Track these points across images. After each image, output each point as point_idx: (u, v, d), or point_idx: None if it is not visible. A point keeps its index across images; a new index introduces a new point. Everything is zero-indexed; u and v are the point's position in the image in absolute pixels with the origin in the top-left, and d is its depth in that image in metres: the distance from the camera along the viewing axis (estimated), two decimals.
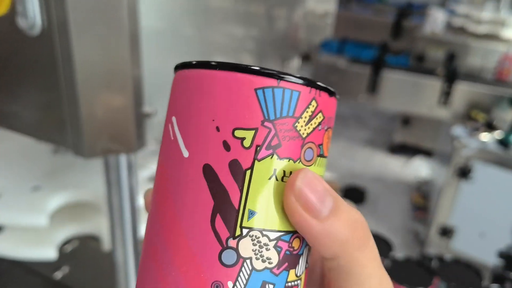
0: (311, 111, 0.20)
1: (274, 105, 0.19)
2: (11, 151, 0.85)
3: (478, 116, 1.89)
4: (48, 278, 0.89)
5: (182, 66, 0.21)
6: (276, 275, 0.20)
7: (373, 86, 2.05)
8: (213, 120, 0.19)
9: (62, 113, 0.47)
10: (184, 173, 0.20)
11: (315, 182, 0.20)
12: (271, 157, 0.19)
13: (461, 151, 1.74)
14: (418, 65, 2.55)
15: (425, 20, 2.71)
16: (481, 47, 2.45)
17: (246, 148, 0.19)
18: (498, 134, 1.80)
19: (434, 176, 2.37)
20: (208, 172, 0.19)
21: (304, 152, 0.20)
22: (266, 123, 0.19)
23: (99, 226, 0.76)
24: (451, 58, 2.22)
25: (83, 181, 0.76)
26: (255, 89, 0.19)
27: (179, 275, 0.19)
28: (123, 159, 0.57)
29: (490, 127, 1.83)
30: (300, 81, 0.20)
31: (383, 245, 0.70)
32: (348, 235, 0.20)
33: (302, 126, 0.20)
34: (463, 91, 1.99)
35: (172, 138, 0.21)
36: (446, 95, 1.96)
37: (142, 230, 0.74)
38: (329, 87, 0.21)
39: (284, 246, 0.20)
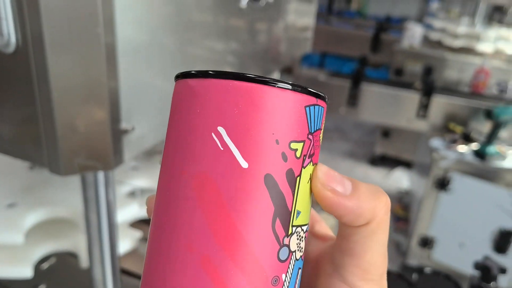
0: (325, 122, 0.25)
1: (315, 120, 0.23)
2: None
3: (456, 128, 1.92)
4: None
5: (228, 76, 0.22)
6: (303, 259, 0.24)
7: (353, 99, 2.08)
8: (273, 134, 0.21)
9: (37, 130, 0.46)
10: (243, 183, 0.21)
11: (330, 172, 0.24)
12: (310, 164, 0.23)
13: (439, 163, 1.77)
14: (397, 78, 2.60)
15: (403, 34, 2.77)
16: (458, 60, 2.51)
17: (298, 158, 0.22)
18: (475, 146, 1.84)
19: (414, 187, 2.40)
20: (269, 181, 0.21)
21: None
22: (309, 136, 0.23)
23: (77, 242, 0.75)
24: (428, 71, 2.27)
25: (60, 198, 0.75)
26: (305, 107, 0.22)
27: (242, 276, 0.21)
28: (100, 176, 0.56)
29: (467, 139, 1.86)
30: (325, 98, 0.24)
31: None
32: (375, 202, 0.24)
33: (321, 135, 0.24)
34: (440, 103, 2.03)
35: (222, 149, 0.21)
36: (424, 108, 2.00)
37: (120, 247, 0.73)
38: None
39: (306, 235, 0.24)
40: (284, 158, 0.22)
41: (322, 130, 0.24)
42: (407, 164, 2.97)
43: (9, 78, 0.46)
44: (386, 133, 2.95)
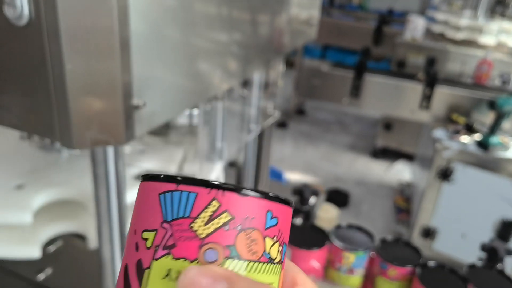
0: (212, 211, 0.20)
1: (172, 207, 0.20)
2: None
3: (459, 119, 1.92)
4: (30, 280, 0.87)
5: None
6: None
7: (356, 90, 2.08)
8: (133, 223, 0.22)
9: (49, 104, 0.46)
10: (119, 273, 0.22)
11: (198, 279, 0.19)
12: (166, 257, 0.20)
13: (442, 153, 1.77)
14: (400, 70, 2.59)
15: (405, 26, 2.76)
16: (460, 52, 2.51)
17: (148, 248, 0.20)
18: (478, 136, 1.84)
19: (416, 179, 2.41)
20: (125, 271, 0.21)
21: (204, 252, 0.20)
22: (164, 224, 0.20)
23: (84, 224, 0.75)
24: (431, 62, 2.27)
25: (68, 179, 0.75)
26: (159, 194, 0.21)
27: None
28: (110, 152, 0.56)
29: (470, 129, 1.86)
30: (198, 183, 0.20)
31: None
32: None
33: (200, 226, 0.20)
34: (443, 94, 2.03)
35: None
36: (427, 99, 2.00)
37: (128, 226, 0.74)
38: (245, 188, 0.21)
39: None
40: (136, 247, 0.21)
41: (203, 219, 0.20)
42: (408, 157, 2.97)
43: (21, 51, 0.46)
44: (388, 125, 2.95)
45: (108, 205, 0.59)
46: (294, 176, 2.72)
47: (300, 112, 3.86)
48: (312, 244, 0.68)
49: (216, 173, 0.91)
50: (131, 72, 0.49)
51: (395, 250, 0.69)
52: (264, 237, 0.21)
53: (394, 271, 0.65)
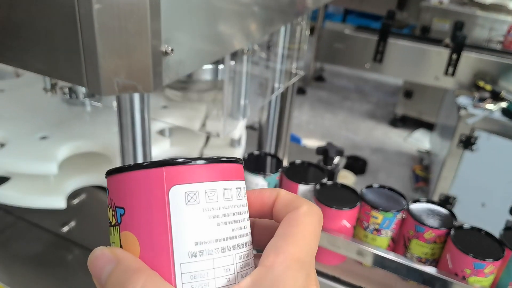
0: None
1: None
2: (18, 101, 0.84)
3: (485, 86, 1.86)
4: (55, 233, 0.89)
5: None
6: None
7: (380, 54, 2.02)
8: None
9: (77, 48, 0.45)
10: None
11: (94, 260, 0.24)
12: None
13: (466, 120, 1.73)
14: (425, 35, 2.51)
15: None
16: (488, 17, 2.41)
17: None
18: (504, 104, 1.79)
19: (435, 148, 2.37)
20: None
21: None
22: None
23: None
24: (459, 27, 2.18)
25: (92, 132, 0.75)
26: None
27: None
28: (136, 102, 0.56)
29: (496, 97, 1.81)
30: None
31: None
32: None
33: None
34: (469, 59, 1.96)
35: None
36: (453, 65, 1.93)
37: None
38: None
39: None
40: None
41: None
42: (428, 126, 2.92)
43: None
44: (408, 93, 2.89)
45: (134, 155, 0.58)
46: (311, 143, 2.70)
47: (319, 78, 3.81)
48: (343, 203, 0.67)
49: (239, 130, 0.90)
50: (159, 18, 0.47)
51: (428, 212, 0.68)
52: (108, 209, 0.25)
53: (430, 233, 0.64)
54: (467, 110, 1.75)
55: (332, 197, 0.68)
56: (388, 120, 3.19)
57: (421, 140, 2.91)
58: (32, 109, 0.81)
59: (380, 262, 0.67)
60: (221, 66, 0.80)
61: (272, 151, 1.13)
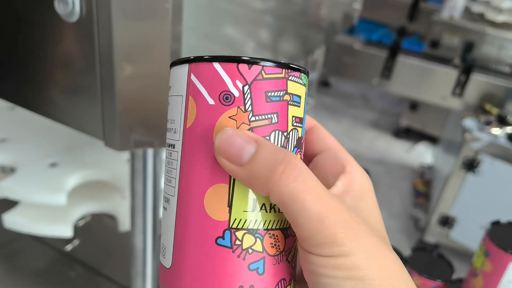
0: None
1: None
2: (28, 122, 0.84)
3: (492, 110, 1.86)
4: (59, 250, 0.89)
5: None
6: None
7: (388, 71, 2.02)
8: None
9: (95, 103, 0.45)
10: None
11: (233, 137, 0.22)
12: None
13: (471, 144, 1.73)
14: (433, 50, 2.51)
15: (444, 4, 2.65)
16: (499, 36, 2.40)
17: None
18: (510, 129, 1.78)
19: (438, 164, 2.37)
20: None
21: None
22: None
23: (115, 206, 0.75)
24: (469, 47, 2.18)
25: (101, 160, 0.75)
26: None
27: None
28: (150, 150, 0.56)
29: (502, 121, 1.81)
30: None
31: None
32: (268, 174, 0.22)
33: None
34: (477, 82, 1.96)
35: None
36: (461, 86, 1.93)
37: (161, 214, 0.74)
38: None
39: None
40: None
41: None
42: (432, 139, 2.92)
43: (70, 48, 0.44)
44: (414, 105, 2.89)
45: (144, 199, 0.59)
46: None
47: (324, 84, 3.80)
48: None
49: None
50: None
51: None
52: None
53: None
54: (472, 134, 1.75)
55: None
56: (391, 130, 3.19)
57: (423, 153, 2.91)
58: (42, 131, 0.81)
59: None
60: None
61: None
